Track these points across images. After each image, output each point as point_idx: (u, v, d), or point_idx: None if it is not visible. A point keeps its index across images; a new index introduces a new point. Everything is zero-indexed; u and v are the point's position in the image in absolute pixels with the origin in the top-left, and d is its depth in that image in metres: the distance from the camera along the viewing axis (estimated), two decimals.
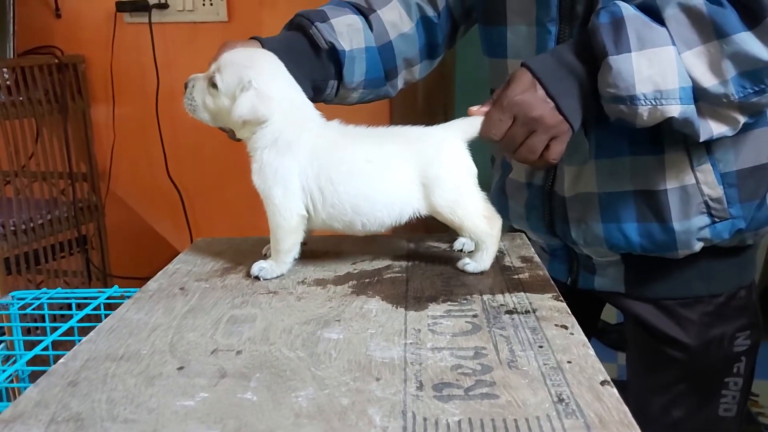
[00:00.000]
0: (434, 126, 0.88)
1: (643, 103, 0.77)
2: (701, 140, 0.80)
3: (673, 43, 0.76)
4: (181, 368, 0.64)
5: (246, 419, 0.55)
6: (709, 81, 0.76)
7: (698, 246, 0.91)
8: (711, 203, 0.89)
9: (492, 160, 1.21)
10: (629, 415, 0.53)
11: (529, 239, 1.09)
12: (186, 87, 0.87)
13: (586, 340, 0.67)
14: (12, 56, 1.97)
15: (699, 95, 0.77)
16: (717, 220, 0.90)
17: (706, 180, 0.88)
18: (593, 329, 1.18)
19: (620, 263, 0.99)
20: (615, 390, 0.57)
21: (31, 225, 1.96)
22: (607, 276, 1.02)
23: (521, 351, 0.65)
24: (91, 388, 0.61)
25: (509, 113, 0.80)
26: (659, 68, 0.75)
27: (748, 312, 0.99)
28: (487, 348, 0.67)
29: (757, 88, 0.76)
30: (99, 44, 2.08)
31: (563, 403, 0.55)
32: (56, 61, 2.00)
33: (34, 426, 0.55)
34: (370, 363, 0.64)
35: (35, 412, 0.57)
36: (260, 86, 0.83)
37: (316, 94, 0.99)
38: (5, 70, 1.90)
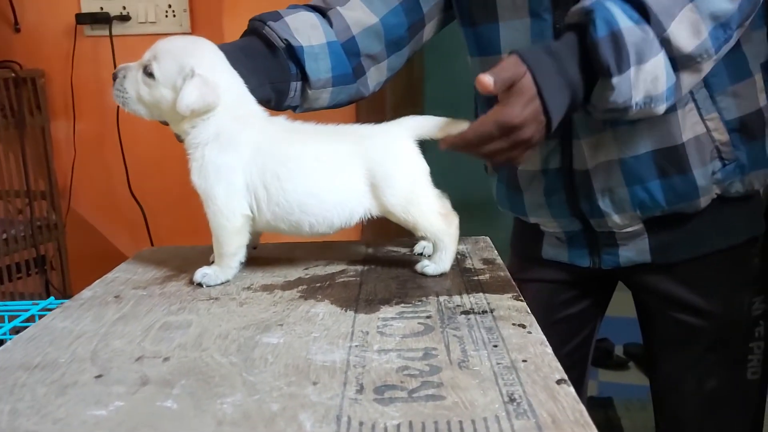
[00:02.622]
0: (383, 123, 0.84)
1: (635, 109, 0.79)
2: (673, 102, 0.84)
3: (661, 46, 0.77)
4: (99, 376, 0.58)
5: (162, 428, 0.49)
6: (691, 44, 0.78)
7: (715, 191, 0.96)
8: (721, 147, 0.94)
9: (485, 168, 1.18)
10: (585, 414, 0.48)
11: (541, 232, 1.10)
12: (115, 78, 0.81)
13: (545, 339, 0.62)
14: None
15: (681, 64, 0.79)
16: (727, 162, 0.95)
17: (716, 127, 0.94)
18: (602, 313, 1.22)
19: (643, 231, 1.00)
20: (572, 389, 0.52)
21: None
22: (632, 248, 1.02)
23: (474, 351, 0.60)
24: None
25: (504, 131, 0.76)
26: (652, 77, 0.78)
27: (763, 277, 1.03)
28: (438, 348, 0.61)
29: (726, 36, 0.80)
30: (59, 58, 2.02)
31: (514, 403, 0.50)
32: (13, 75, 1.93)
33: None
34: (309, 367, 0.59)
35: None
36: (204, 73, 0.78)
37: (279, 99, 0.95)
38: None
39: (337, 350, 0.62)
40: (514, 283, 0.80)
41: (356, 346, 0.63)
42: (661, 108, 0.81)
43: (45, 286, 2.08)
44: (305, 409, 0.51)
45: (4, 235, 1.94)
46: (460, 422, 0.48)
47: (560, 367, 0.56)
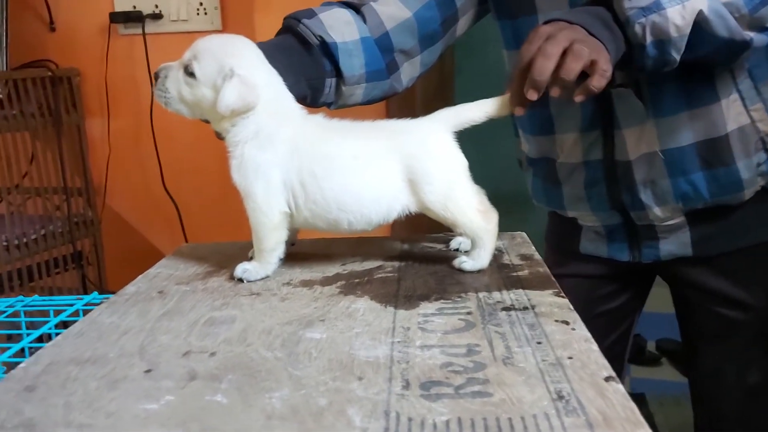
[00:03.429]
0: (419, 118, 0.84)
1: (668, 6, 0.76)
2: (738, 39, 0.80)
3: None
4: (148, 371, 0.59)
5: (211, 422, 0.50)
6: None
7: (759, 183, 0.96)
8: (766, 139, 0.94)
9: (520, 163, 1.18)
10: (637, 411, 0.48)
11: (579, 226, 1.10)
12: (156, 78, 0.82)
13: (589, 336, 0.62)
14: (5, 69, 1.94)
15: None
16: None
17: (761, 118, 0.93)
18: (641, 308, 1.21)
19: (684, 224, 1.00)
20: (621, 386, 0.52)
21: (24, 240, 1.91)
22: (673, 241, 1.02)
23: (518, 347, 0.60)
24: (48, 392, 0.56)
25: (539, 38, 0.76)
26: None
27: None
28: (480, 345, 0.61)
29: None
30: (94, 57, 2.05)
31: (563, 400, 0.50)
32: (50, 74, 1.97)
33: None
34: (353, 362, 0.59)
35: None
36: (243, 73, 0.78)
37: (314, 95, 0.96)
38: None
39: (379, 346, 0.62)
40: (554, 279, 0.79)
41: (398, 341, 0.63)
42: (701, 2, 0.76)
43: (82, 281, 2.12)
44: (352, 404, 0.51)
45: (43, 231, 1.98)
46: (510, 419, 0.48)
47: (607, 364, 0.55)
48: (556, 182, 1.07)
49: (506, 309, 0.70)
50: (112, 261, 2.20)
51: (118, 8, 2.00)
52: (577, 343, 0.60)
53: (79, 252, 2.10)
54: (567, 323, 0.65)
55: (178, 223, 2.08)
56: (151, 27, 1.97)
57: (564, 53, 0.74)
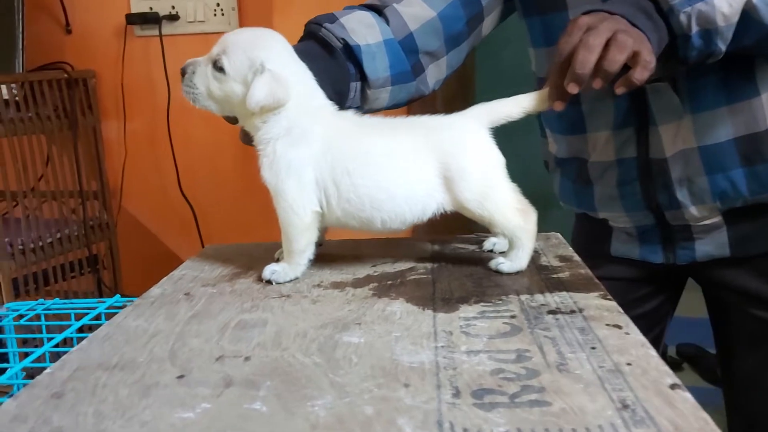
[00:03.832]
0: (454, 114, 0.81)
1: None
2: None
3: None
4: (181, 377, 0.57)
5: (253, 431, 0.47)
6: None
7: None
8: None
9: (546, 165, 1.14)
10: (711, 422, 0.44)
11: (609, 227, 1.06)
12: (183, 74, 0.80)
13: (646, 340, 0.58)
14: (21, 71, 1.92)
15: None
16: None
17: None
18: (673, 311, 1.17)
19: (722, 224, 0.96)
20: (689, 395, 0.48)
21: (40, 244, 1.89)
22: (709, 242, 0.98)
23: (571, 353, 0.57)
24: (77, 399, 0.53)
25: (580, 30, 0.73)
26: None
27: None
28: (530, 350, 0.58)
29: None
30: (110, 58, 2.04)
31: (629, 410, 0.47)
32: (65, 76, 1.95)
33: None
34: (396, 368, 0.56)
35: (11, 427, 0.50)
36: (274, 68, 0.76)
37: (340, 100, 0.93)
38: (14, 85, 1.86)
39: (422, 351, 0.59)
40: (597, 281, 0.76)
41: (442, 346, 0.60)
42: None
43: (97, 285, 2.10)
44: (402, 414, 0.48)
45: (58, 235, 1.96)
46: (574, 430, 0.45)
47: (670, 371, 0.52)
48: (587, 182, 1.04)
49: (552, 312, 0.67)
50: (128, 264, 2.19)
51: (135, 9, 1.98)
52: (634, 348, 0.57)
53: (94, 255, 2.08)
54: (620, 327, 0.62)
55: (194, 227, 2.06)
56: (167, 28, 1.96)
57: (606, 44, 0.71)
